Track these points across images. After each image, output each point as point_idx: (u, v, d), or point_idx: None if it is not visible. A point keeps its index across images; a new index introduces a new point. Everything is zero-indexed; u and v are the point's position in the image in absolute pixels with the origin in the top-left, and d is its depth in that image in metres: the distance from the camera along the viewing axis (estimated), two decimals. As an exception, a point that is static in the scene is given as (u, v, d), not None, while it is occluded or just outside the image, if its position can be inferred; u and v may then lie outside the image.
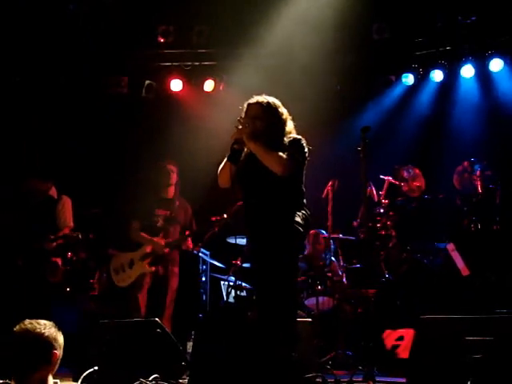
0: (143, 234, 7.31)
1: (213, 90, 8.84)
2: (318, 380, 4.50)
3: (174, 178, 7.52)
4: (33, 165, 8.08)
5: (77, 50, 8.62)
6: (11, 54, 8.30)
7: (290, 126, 4.95)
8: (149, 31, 8.51)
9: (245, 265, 7.43)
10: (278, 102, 4.97)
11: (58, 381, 4.20)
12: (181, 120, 8.61)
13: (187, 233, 7.24)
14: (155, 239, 7.25)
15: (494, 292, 6.57)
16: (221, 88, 8.82)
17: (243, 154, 4.89)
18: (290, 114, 4.94)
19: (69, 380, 4.85)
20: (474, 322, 4.15)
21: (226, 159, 4.90)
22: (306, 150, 4.80)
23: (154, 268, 7.22)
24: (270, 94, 4.95)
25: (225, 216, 7.11)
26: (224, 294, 8.00)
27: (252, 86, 6.78)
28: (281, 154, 4.67)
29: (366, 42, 8.38)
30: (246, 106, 4.97)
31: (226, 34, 8.31)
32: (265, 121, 4.87)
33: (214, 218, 7.17)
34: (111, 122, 9.09)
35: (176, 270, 7.42)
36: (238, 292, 7.82)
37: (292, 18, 7.96)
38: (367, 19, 8.18)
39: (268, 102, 4.92)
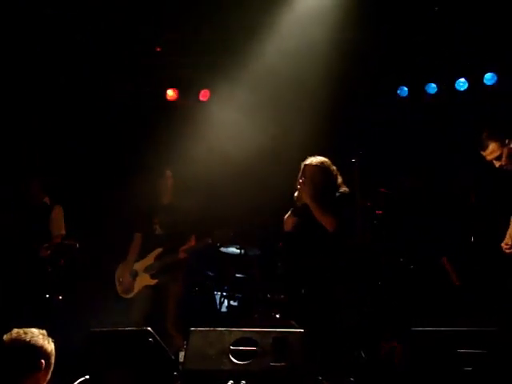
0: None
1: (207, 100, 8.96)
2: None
3: (170, 183, 7.53)
4: (33, 165, 8.02)
5: (77, 50, 8.56)
6: (11, 54, 8.23)
7: (339, 180, 5.82)
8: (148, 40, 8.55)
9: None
10: (328, 161, 5.81)
11: (50, 389, 4.21)
12: (177, 127, 8.60)
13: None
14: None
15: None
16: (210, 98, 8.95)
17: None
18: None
19: (60, 388, 4.83)
20: (465, 335, 4.16)
21: (290, 212, 5.86)
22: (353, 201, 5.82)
23: (156, 280, 7.21)
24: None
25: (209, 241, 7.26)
26: (217, 303, 8.04)
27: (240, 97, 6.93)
28: (332, 215, 5.55)
29: (359, 55, 8.35)
30: (303, 165, 5.82)
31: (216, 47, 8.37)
32: (321, 181, 5.73)
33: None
34: (111, 125, 9.06)
35: (179, 275, 7.33)
36: (231, 302, 7.88)
37: (283, 35, 8.00)
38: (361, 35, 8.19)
39: (323, 163, 5.79)
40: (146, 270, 7.18)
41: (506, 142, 5.74)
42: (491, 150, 5.81)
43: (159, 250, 7.21)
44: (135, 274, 7.22)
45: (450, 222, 7.64)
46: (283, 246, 6.86)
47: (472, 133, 6.46)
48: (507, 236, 5.90)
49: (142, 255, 7.31)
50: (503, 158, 5.75)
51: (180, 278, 7.34)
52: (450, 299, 6.95)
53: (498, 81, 8.32)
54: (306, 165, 5.86)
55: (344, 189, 5.76)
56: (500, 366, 3.93)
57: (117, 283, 7.30)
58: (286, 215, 5.86)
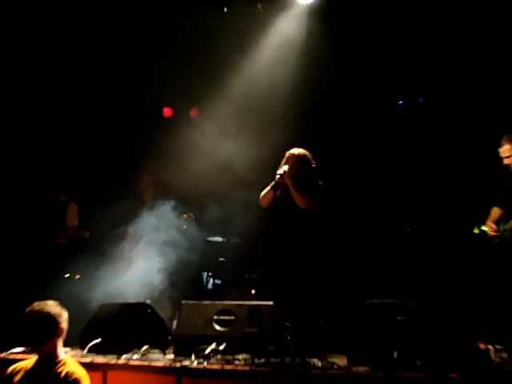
0: None
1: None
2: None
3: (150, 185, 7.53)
4: (53, 170, 7.97)
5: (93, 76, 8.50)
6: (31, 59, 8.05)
7: (316, 172, 5.75)
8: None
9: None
10: (309, 154, 5.77)
11: (68, 349, 4.29)
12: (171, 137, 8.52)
13: None
14: None
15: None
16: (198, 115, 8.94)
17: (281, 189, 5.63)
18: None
19: (77, 349, 4.91)
20: (400, 306, 4.27)
21: (269, 187, 5.62)
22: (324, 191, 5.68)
23: None
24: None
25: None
26: (204, 281, 8.06)
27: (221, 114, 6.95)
28: (307, 195, 5.55)
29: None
30: (288, 154, 5.77)
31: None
32: (301, 169, 5.68)
33: None
34: (119, 137, 8.92)
35: None
36: (216, 280, 7.94)
37: (264, 55, 8.00)
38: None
39: (305, 155, 5.75)
40: None
41: None
42: (505, 150, 5.94)
43: None
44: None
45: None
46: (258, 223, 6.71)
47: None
48: (489, 221, 6.08)
49: None
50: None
51: None
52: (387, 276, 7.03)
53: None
54: (290, 153, 5.79)
55: (319, 181, 5.71)
56: (421, 327, 4.07)
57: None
58: (265, 190, 5.68)
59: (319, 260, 5.60)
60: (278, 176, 5.62)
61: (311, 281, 5.46)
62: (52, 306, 4.03)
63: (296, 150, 5.80)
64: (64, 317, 4.06)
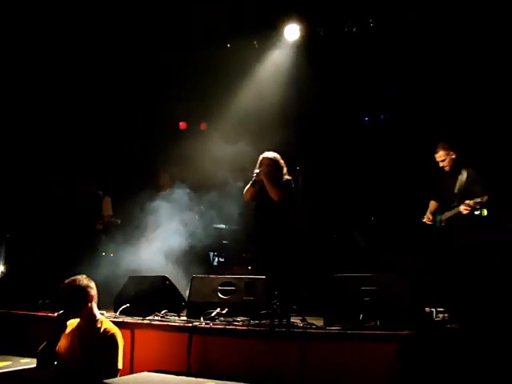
0: None
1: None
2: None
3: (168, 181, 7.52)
4: (91, 169, 7.96)
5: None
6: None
7: (285, 170, 5.70)
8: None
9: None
10: (278, 156, 5.75)
11: (104, 312, 4.30)
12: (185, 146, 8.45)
13: None
14: None
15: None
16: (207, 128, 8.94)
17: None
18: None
19: (111, 311, 4.91)
20: (366, 278, 4.28)
21: (249, 185, 5.63)
22: (293, 185, 5.56)
23: None
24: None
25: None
26: (211, 259, 8.02)
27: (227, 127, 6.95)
28: (278, 189, 5.52)
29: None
30: (261, 157, 5.73)
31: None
32: (273, 169, 5.65)
33: None
34: (142, 146, 9.02)
35: None
36: (220, 258, 7.93)
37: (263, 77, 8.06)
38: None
39: (275, 157, 5.73)
40: None
41: (450, 153, 5.91)
42: (440, 155, 5.95)
43: None
44: None
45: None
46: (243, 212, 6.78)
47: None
48: (427, 213, 6.10)
49: None
50: (445, 162, 5.92)
51: None
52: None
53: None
54: (263, 157, 5.76)
55: (287, 176, 5.66)
56: (386, 297, 4.09)
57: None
58: (246, 187, 5.70)
59: (295, 242, 5.61)
60: (254, 175, 5.63)
61: (290, 259, 5.46)
62: (81, 279, 4.00)
63: (267, 154, 5.78)
64: (92, 285, 4.03)
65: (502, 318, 4.27)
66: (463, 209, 5.67)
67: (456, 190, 5.85)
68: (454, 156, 5.92)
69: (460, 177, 5.88)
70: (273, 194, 5.58)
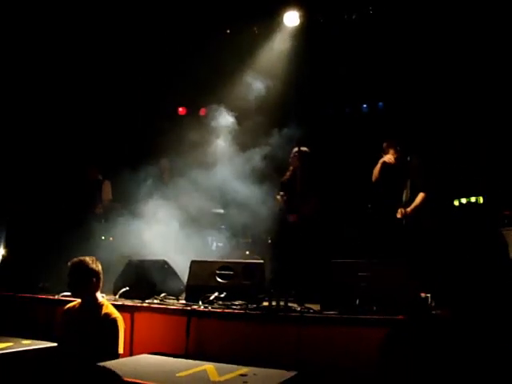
0: None
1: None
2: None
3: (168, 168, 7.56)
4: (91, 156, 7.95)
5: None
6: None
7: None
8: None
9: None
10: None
11: (104, 294, 4.32)
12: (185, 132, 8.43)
13: None
14: None
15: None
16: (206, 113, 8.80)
17: None
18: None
19: (111, 294, 4.94)
20: (361, 264, 4.32)
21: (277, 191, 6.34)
22: None
23: None
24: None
25: None
26: (210, 244, 8.06)
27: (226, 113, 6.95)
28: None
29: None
30: (296, 149, 6.10)
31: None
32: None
33: None
34: (141, 132, 8.97)
35: None
36: (218, 243, 7.92)
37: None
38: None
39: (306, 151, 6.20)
40: None
41: (398, 149, 5.98)
42: (388, 153, 6.08)
43: None
44: None
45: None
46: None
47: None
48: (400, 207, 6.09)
49: None
50: (392, 159, 6.04)
51: None
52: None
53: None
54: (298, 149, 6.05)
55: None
56: (377, 281, 4.11)
57: None
58: (278, 196, 6.25)
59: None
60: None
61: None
62: (87, 261, 4.04)
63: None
64: (97, 268, 4.07)
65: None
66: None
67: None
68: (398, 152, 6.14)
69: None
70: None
